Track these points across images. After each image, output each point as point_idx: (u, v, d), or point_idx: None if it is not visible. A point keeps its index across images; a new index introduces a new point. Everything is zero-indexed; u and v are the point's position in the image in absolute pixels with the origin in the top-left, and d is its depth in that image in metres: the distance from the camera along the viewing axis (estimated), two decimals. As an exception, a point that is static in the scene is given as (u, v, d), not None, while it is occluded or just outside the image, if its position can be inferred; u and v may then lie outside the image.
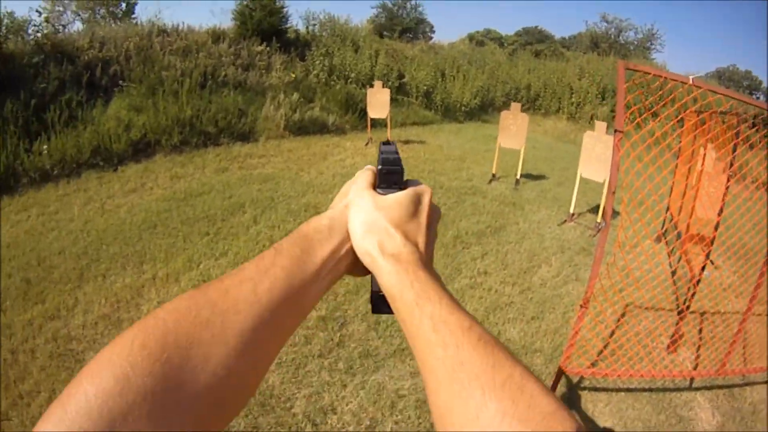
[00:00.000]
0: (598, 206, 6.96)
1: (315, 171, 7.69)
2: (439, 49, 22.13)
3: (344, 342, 3.68)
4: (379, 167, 0.58)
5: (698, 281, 4.27)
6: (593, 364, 3.75)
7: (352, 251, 0.55)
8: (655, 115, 3.59)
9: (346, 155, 9.09)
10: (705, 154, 5.82)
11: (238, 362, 0.42)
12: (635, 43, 35.73)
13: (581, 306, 2.98)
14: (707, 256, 4.43)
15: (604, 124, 6.69)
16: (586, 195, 7.58)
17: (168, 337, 0.39)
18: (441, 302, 0.46)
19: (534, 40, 34.56)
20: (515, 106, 8.08)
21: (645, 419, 3.86)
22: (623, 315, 4.99)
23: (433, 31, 34.99)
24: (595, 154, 6.57)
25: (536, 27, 36.36)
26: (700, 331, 5.22)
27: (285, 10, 14.94)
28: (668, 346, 4.63)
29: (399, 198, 0.56)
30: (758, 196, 4.63)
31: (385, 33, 26.78)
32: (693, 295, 4.26)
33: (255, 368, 0.45)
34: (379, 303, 0.55)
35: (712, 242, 4.48)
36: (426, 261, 0.54)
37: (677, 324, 4.58)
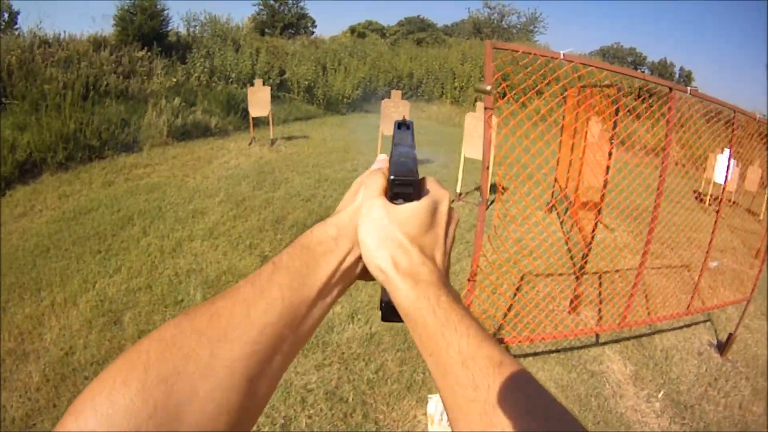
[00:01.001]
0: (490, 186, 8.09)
1: (200, 176, 8.31)
2: (321, 43, 24.15)
3: (248, 342, 4.13)
4: (391, 177, 0.55)
5: (590, 244, 5.07)
6: (494, 335, 4.22)
7: (359, 261, 0.56)
8: (539, 93, 4.00)
9: (230, 157, 9.84)
10: (589, 126, 7.05)
11: (229, 396, 0.42)
12: (518, 26, 40.17)
13: (469, 280, 3.25)
14: (598, 219, 5.15)
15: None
16: (472, 174, 8.68)
17: (150, 373, 0.39)
18: (468, 333, 0.47)
19: (416, 29, 38.02)
20: (396, 94, 9.15)
21: (557, 379, 4.51)
22: (520, 284, 5.86)
23: (315, 26, 37.52)
24: (478, 134, 7.42)
25: (418, 16, 40.09)
26: (600, 290, 6.37)
27: (165, 12, 15.64)
28: (569, 308, 5.57)
29: (415, 209, 0.55)
30: (647, 161, 5.75)
31: (266, 30, 28.40)
32: (586, 257, 5.04)
33: (250, 402, 0.44)
34: (389, 312, 0.56)
35: (600, 206, 5.19)
36: (445, 279, 0.54)
37: (575, 286, 5.44)
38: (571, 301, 5.46)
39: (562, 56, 3.25)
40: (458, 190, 8.22)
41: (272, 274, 0.50)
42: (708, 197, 13.71)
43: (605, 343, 5.34)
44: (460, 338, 0.47)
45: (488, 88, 2.79)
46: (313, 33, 34.73)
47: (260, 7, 33.29)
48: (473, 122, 7.84)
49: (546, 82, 3.42)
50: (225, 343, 0.43)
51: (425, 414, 3.48)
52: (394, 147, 0.60)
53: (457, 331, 0.48)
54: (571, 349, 5.01)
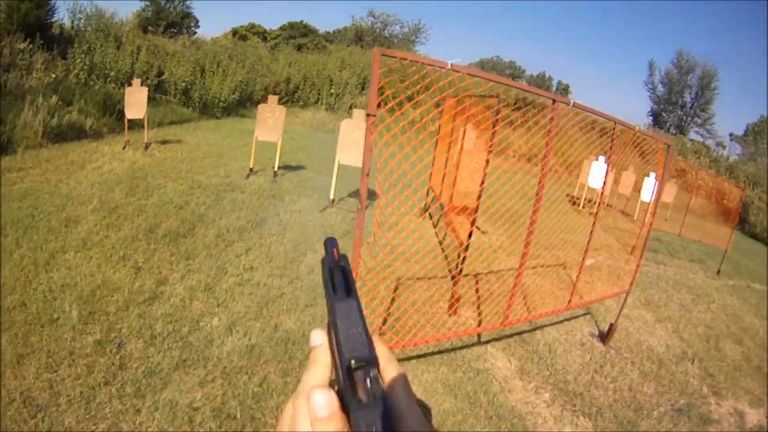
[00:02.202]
0: (357, 191, 8.94)
1: (74, 181, 8.37)
2: (202, 44, 25.36)
3: (126, 364, 4.10)
4: (343, 363, 0.51)
5: (467, 247, 5.65)
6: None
7: None
8: (415, 103, 4.28)
9: (103, 161, 9.99)
10: (465, 134, 8.04)
11: None
12: (400, 36, 44.69)
13: None
14: (473, 223, 5.82)
15: (362, 112, 8.32)
16: (346, 181, 9.36)
17: None
18: None
19: (298, 34, 40.87)
20: (272, 99, 9.82)
21: (443, 379, 4.93)
22: (396, 289, 6.44)
23: (198, 26, 39.77)
24: (353, 140, 8.24)
25: (301, 21, 42.85)
26: (477, 290, 7.21)
27: (53, 2, 15.75)
28: (448, 310, 6.15)
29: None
30: (519, 166, 6.69)
31: (150, 28, 29.55)
32: (464, 260, 5.61)
33: None
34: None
35: (476, 211, 5.87)
36: None
37: (453, 288, 6.09)
38: (450, 303, 6.08)
39: (449, 66, 3.65)
40: (332, 197, 8.91)
41: None
42: (582, 200, 15.63)
43: (487, 342, 6.01)
44: None
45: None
46: (195, 33, 36.47)
47: (146, 2, 34.47)
48: (349, 128, 8.56)
49: (431, 90, 3.93)
50: None
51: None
52: (332, 311, 0.54)
53: None
54: (454, 349, 5.56)
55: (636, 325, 8.25)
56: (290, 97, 24.15)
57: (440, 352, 5.40)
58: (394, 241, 5.91)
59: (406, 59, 3.46)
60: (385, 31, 45.70)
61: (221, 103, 19.71)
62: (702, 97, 55.10)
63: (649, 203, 15.00)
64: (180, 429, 3.53)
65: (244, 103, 21.62)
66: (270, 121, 9.74)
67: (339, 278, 0.56)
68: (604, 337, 7.17)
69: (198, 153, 11.83)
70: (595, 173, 14.67)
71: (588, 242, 6.47)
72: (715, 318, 9.84)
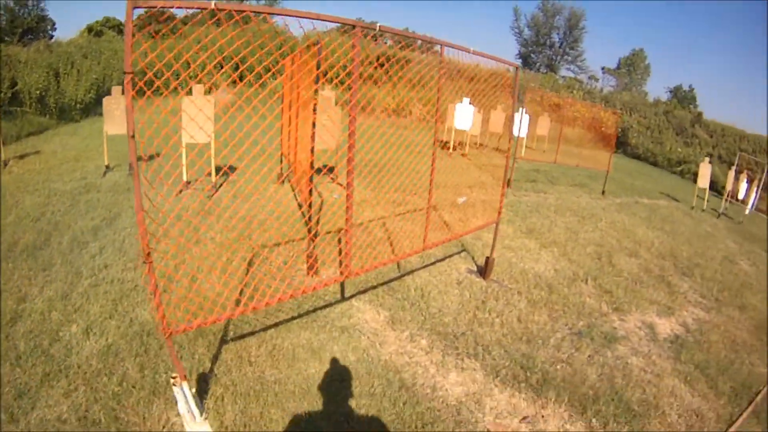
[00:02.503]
0: (217, 168, 8.68)
1: None
2: (56, 46, 24.11)
3: (-1, 392, 3.86)
4: None
5: (310, 204, 5.55)
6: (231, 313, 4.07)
7: None
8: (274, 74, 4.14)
9: None
10: (305, 90, 7.28)
11: None
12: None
13: (144, 262, 3.21)
14: (309, 182, 5.50)
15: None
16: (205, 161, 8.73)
17: None
18: None
19: (154, 21, 39.50)
20: (116, 90, 9.54)
21: (306, 344, 4.71)
22: (251, 259, 6.13)
23: (55, 29, 38.17)
24: (200, 117, 7.92)
25: (158, 8, 40.90)
26: (340, 246, 6.87)
27: None
28: (307, 271, 5.90)
29: None
30: (381, 122, 6.26)
31: (6, 38, 28.56)
32: (310, 218, 5.52)
33: None
34: None
35: (332, 169, 5.44)
36: None
37: (310, 248, 5.85)
38: (309, 264, 5.84)
39: (213, 5, 3.32)
40: (185, 179, 8.73)
41: None
42: (452, 144, 15.73)
43: (352, 297, 5.71)
44: None
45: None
46: (52, 36, 34.91)
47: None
48: (188, 106, 8.08)
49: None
50: None
51: (178, 414, 3.54)
52: None
53: None
54: (316, 310, 5.30)
55: (519, 254, 7.79)
56: (149, 86, 23.27)
57: (300, 316, 5.17)
58: (252, 211, 6.18)
59: (155, 6, 3.20)
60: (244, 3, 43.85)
61: (78, 105, 18.75)
62: (570, 37, 58.37)
63: (520, 138, 15.67)
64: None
65: (100, 101, 20.34)
66: (117, 113, 9.40)
67: None
68: (483, 271, 6.68)
69: (55, 160, 10.96)
70: (460, 115, 14.98)
71: (429, 181, 6.10)
72: (605, 235, 9.61)
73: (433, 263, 6.89)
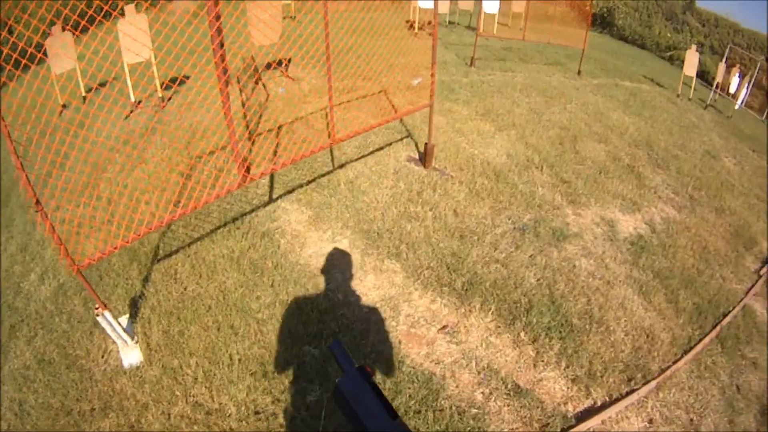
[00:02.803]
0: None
1: None
2: None
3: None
4: None
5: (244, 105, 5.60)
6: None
7: None
8: None
9: None
10: None
11: None
12: None
13: (35, 211, 3.17)
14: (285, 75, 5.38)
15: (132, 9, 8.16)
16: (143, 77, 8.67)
17: None
18: None
19: None
20: (56, 29, 8.76)
21: (227, 253, 4.56)
22: (193, 165, 5.86)
23: None
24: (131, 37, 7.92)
25: None
26: (277, 141, 6.47)
27: None
28: (239, 171, 5.33)
29: None
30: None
31: None
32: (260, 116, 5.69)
33: None
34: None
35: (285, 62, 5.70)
36: None
37: (236, 149, 5.40)
38: (239, 164, 5.39)
39: None
40: (132, 99, 8.32)
41: None
42: (416, 23, 14.69)
43: (279, 198, 5.43)
44: None
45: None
46: None
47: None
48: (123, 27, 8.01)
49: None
50: None
51: (114, 342, 3.69)
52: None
53: None
54: (241, 216, 5.09)
55: (470, 138, 7.06)
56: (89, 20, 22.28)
57: (226, 224, 4.99)
58: (194, 120, 6.04)
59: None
60: None
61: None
62: None
63: (491, 14, 14.80)
64: (20, 393, 3.54)
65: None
66: (60, 54, 8.66)
67: (375, 399, 0.69)
68: (424, 159, 6.08)
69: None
70: None
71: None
72: (573, 118, 8.80)
73: (371, 152, 6.39)
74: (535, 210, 5.46)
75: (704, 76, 20.73)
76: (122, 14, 8.25)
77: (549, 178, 6.22)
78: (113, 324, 3.41)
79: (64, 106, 9.17)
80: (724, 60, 16.11)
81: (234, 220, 5.02)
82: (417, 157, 6.23)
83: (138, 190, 5.21)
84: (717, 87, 15.56)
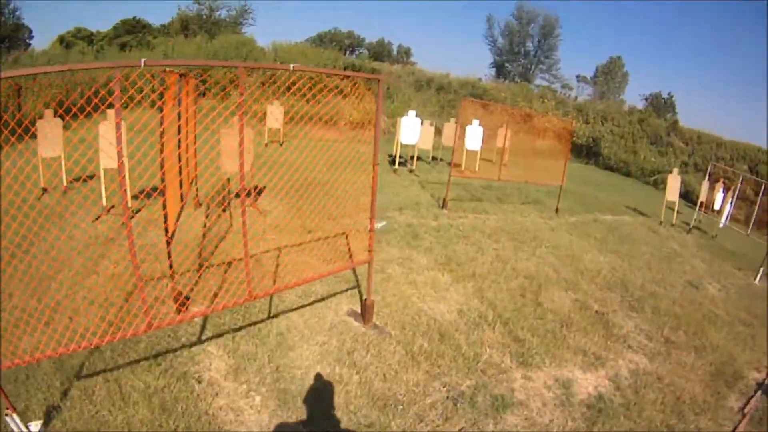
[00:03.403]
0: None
1: None
2: (27, 58, 24.63)
3: None
4: None
5: (171, 235, 5.23)
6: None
7: None
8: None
9: None
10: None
11: None
12: (227, 20, 47.57)
13: None
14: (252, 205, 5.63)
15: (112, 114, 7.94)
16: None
17: None
18: None
19: (123, 32, 41.99)
20: (48, 113, 9.52)
21: (144, 386, 4.41)
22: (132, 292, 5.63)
23: (32, 37, 40.86)
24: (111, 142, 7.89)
25: (134, 18, 43.75)
26: (224, 277, 6.34)
27: None
28: (177, 307, 5.38)
29: None
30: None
31: None
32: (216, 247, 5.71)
33: None
34: None
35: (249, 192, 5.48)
36: None
37: (171, 284, 5.53)
38: (176, 299, 5.43)
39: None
40: (104, 203, 8.54)
41: None
42: (396, 159, 15.06)
43: (208, 339, 5.27)
44: None
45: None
46: (29, 45, 36.73)
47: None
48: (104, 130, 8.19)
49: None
50: None
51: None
52: None
53: None
54: (168, 351, 4.96)
55: (423, 291, 6.75)
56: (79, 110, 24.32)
57: (150, 357, 4.86)
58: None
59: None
60: (212, 17, 47.63)
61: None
62: (545, 45, 58.21)
63: (473, 152, 15.43)
64: None
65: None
66: (50, 136, 9.35)
67: None
68: (363, 315, 5.83)
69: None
70: (406, 129, 14.51)
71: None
72: (542, 264, 8.51)
73: (311, 303, 6.12)
74: (477, 375, 5.07)
75: (689, 196, 20.83)
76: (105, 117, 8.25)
77: (500, 337, 5.84)
78: (21, 428, 3.54)
79: (44, 189, 9.36)
80: (707, 177, 16.13)
81: (158, 354, 4.89)
82: (359, 311, 5.94)
83: (87, 300, 5.22)
84: (701, 206, 15.50)
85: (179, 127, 7.15)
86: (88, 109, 3.82)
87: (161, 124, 7.26)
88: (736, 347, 6.77)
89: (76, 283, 5.63)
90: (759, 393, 5.73)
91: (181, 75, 7.35)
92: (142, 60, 3.85)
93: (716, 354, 6.43)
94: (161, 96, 6.05)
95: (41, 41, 57.07)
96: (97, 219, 8.00)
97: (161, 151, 6.88)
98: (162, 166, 5.44)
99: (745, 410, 5.31)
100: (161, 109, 6.02)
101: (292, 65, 4.70)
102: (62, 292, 5.39)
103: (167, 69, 6.28)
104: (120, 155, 3.52)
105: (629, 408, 4.98)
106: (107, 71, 3.56)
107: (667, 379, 5.64)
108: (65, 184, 9.58)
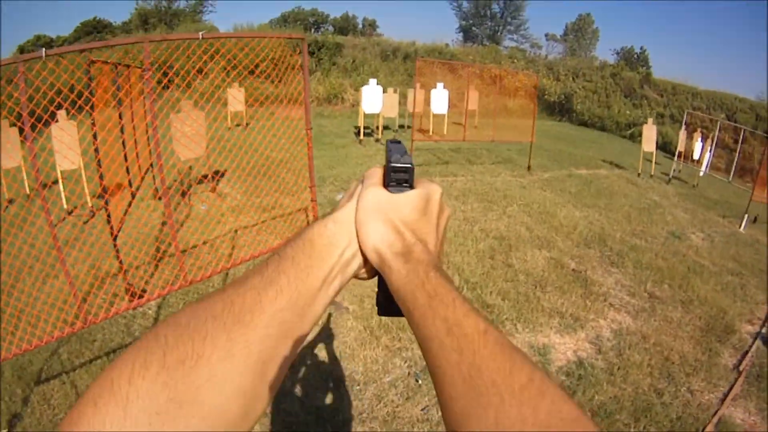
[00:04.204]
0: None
1: None
2: None
3: None
4: (389, 164, 0.70)
5: (115, 237, 5.44)
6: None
7: (359, 253, 0.68)
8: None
9: None
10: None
11: (245, 379, 0.54)
12: (186, 10, 47.67)
13: None
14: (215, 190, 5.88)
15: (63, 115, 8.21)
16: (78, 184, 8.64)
17: (169, 356, 0.49)
18: (455, 304, 0.57)
19: (83, 34, 41.21)
20: (4, 123, 9.15)
21: None
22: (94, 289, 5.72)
23: None
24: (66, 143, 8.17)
25: (94, 18, 43.81)
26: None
27: None
28: (128, 296, 5.36)
29: (410, 196, 0.68)
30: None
31: None
32: (115, 237, 5.41)
33: (263, 385, 0.56)
34: (387, 305, 0.70)
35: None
36: (436, 261, 0.65)
37: (125, 275, 5.64)
38: (128, 291, 5.45)
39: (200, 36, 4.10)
40: (65, 206, 8.65)
41: (278, 264, 0.62)
42: (361, 129, 14.81)
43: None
44: (446, 309, 0.56)
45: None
46: None
47: None
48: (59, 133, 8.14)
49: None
50: (240, 327, 0.54)
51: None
52: (389, 152, 0.72)
53: (443, 302, 0.57)
54: (121, 347, 4.90)
55: None
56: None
57: (104, 355, 4.84)
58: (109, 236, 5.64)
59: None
60: (171, 9, 47.61)
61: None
62: (511, 6, 57.82)
63: (440, 116, 15.15)
64: None
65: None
66: (8, 146, 9.14)
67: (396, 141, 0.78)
68: None
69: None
70: (368, 98, 14.39)
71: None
72: (513, 223, 8.12)
73: None
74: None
75: (667, 147, 20.57)
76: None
77: (467, 302, 5.39)
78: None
79: (10, 201, 9.58)
80: (684, 127, 15.85)
81: (112, 351, 4.85)
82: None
83: (47, 304, 5.06)
84: (680, 156, 15.29)
85: (120, 119, 6.97)
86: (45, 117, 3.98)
87: (93, 123, 6.98)
88: (726, 299, 6.40)
89: (36, 288, 5.49)
90: (755, 346, 5.33)
91: (115, 65, 7.10)
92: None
93: (705, 307, 6.06)
94: (93, 93, 5.80)
95: (7, 51, 57.90)
96: (59, 222, 7.80)
97: (96, 151, 6.65)
98: (100, 165, 5.50)
99: (741, 367, 4.89)
100: (93, 107, 5.82)
101: (200, 33, 4.71)
102: (22, 299, 5.22)
103: (93, 61, 6.04)
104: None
105: (613, 373, 4.57)
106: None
107: (653, 338, 5.25)
108: (28, 191, 9.65)
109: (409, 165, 0.69)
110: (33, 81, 3.95)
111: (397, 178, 0.68)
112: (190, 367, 0.48)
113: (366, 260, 0.67)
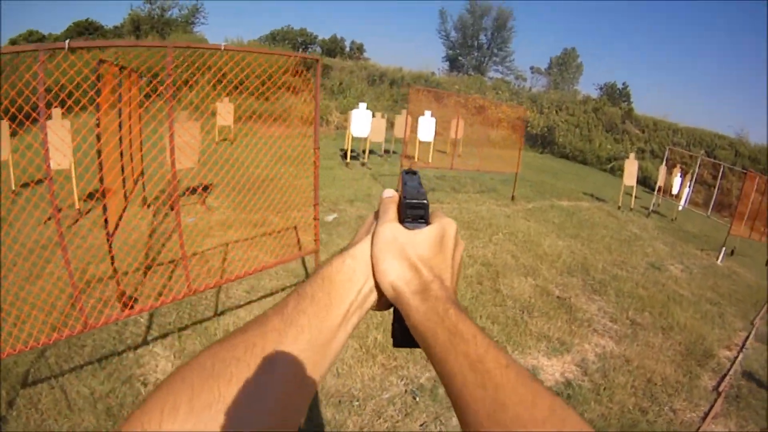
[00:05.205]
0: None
1: None
2: None
3: None
4: (405, 200, 0.73)
5: (109, 241, 5.19)
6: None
7: (374, 289, 0.70)
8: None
9: None
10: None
11: (271, 419, 0.55)
12: (179, 20, 47.40)
13: None
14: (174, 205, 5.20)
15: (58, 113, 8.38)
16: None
17: (196, 400, 0.51)
18: (476, 340, 0.59)
19: (77, 34, 40.64)
20: None
21: (89, 392, 4.30)
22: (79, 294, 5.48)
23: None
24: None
25: (87, 20, 43.40)
26: (171, 278, 6.24)
27: None
28: (120, 306, 5.32)
29: (426, 233, 0.70)
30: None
31: None
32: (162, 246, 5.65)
33: (286, 424, 0.57)
34: (403, 337, 0.71)
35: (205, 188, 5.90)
36: (453, 297, 0.67)
37: (118, 285, 5.49)
38: (120, 298, 5.45)
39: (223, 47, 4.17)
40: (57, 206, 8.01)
41: (297, 303, 0.64)
42: (348, 152, 14.86)
43: (153, 340, 5.14)
44: (468, 345, 0.59)
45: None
46: None
47: None
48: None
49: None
50: (263, 372, 0.56)
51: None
52: (404, 185, 0.78)
53: (464, 339, 0.59)
54: (113, 354, 4.84)
55: None
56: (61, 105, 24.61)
57: (95, 361, 4.71)
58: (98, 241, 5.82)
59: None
60: (164, 17, 47.43)
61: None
62: (498, 37, 58.71)
63: (426, 143, 15.39)
64: None
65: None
66: None
67: (411, 173, 0.82)
68: None
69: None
70: (357, 122, 14.46)
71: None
72: (499, 251, 8.32)
73: (259, 298, 6.02)
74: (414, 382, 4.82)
75: (647, 181, 21.01)
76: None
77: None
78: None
79: None
80: (664, 162, 16.29)
81: (103, 358, 4.76)
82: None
83: (29, 304, 4.96)
84: (659, 191, 15.64)
85: (120, 124, 7.01)
86: (34, 115, 3.90)
87: (98, 122, 7.05)
88: (705, 326, 6.69)
89: (22, 289, 5.42)
90: (734, 369, 5.61)
91: (121, 68, 7.17)
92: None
93: (684, 334, 6.33)
94: (99, 92, 5.87)
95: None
96: (47, 221, 7.56)
97: (99, 152, 6.69)
98: (101, 167, 5.36)
99: (720, 388, 5.16)
100: (99, 106, 5.88)
101: (222, 44, 4.82)
102: (8, 300, 5.19)
103: (102, 60, 6.10)
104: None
105: (599, 393, 4.79)
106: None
107: (636, 361, 5.49)
108: (14, 189, 9.43)
109: (425, 201, 0.72)
110: (38, 73, 3.97)
111: (413, 215, 0.71)
112: (217, 411, 0.51)
113: (381, 293, 0.69)
